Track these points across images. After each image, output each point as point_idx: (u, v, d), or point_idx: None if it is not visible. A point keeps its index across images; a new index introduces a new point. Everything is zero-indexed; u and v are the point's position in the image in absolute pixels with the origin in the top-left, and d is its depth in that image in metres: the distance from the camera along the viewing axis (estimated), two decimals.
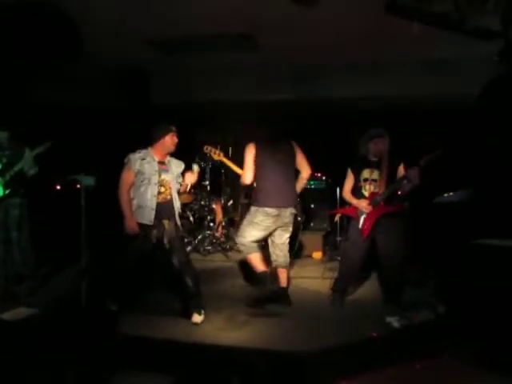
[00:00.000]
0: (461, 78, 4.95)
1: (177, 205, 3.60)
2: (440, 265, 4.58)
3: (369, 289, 4.49)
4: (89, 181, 6.51)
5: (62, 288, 4.35)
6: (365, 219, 3.83)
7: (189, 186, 3.80)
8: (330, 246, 6.28)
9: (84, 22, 3.77)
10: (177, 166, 3.66)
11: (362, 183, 3.94)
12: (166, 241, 3.49)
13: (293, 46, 4.90)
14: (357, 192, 3.96)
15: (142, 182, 3.43)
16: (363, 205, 3.85)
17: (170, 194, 3.53)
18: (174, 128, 3.55)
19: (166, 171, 3.54)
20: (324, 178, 6.46)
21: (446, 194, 4.71)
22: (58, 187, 6.53)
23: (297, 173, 4.08)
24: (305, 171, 4.05)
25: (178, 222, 3.61)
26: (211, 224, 6.07)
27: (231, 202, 6.42)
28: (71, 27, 3.71)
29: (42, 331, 3.31)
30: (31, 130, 4.83)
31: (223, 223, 6.25)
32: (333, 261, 5.82)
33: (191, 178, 3.67)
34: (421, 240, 4.97)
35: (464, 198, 4.59)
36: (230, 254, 5.77)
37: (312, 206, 6.40)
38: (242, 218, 6.82)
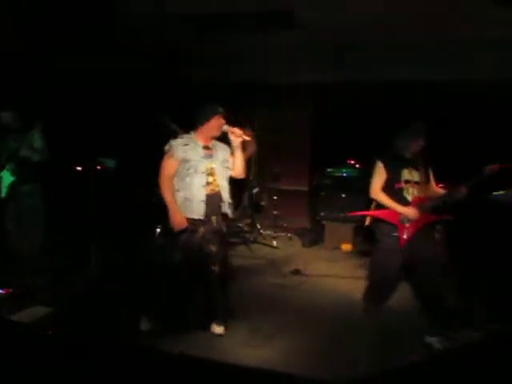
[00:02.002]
0: None
1: (226, 196, 3.17)
2: (489, 268, 4.17)
3: (410, 298, 4.04)
4: (110, 163, 6.33)
5: (80, 282, 4.15)
6: (409, 227, 3.36)
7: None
8: (361, 239, 5.90)
9: None
10: (223, 149, 3.22)
11: (404, 185, 3.41)
12: (215, 241, 3.12)
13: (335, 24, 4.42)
14: (395, 195, 3.41)
15: (187, 170, 3.05)
16: (413, 212, 3.34)
17: (219, 185, 3.13)
18: (221, 109, 3.15)
19: (212, 157, 3.13)
20: (357, 166, 6.00)
21: (500, 192, 4.22)
22: (79, 168, 6.36)
23: None
24: None
25: (229, 214, 3.21)
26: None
27: (256, 189, 6.06)
28: None
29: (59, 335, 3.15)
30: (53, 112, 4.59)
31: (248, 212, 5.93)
32: (363, 255, 5.50)
33: (237, 130, 3.14)
34: (467, 240, 4.54)
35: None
36: (253, 247, 5.47)
37: (343, 195, 5.98)
38: (270, 202, 6.68)
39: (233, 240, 5.44)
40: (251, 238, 5.59)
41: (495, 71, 4.49)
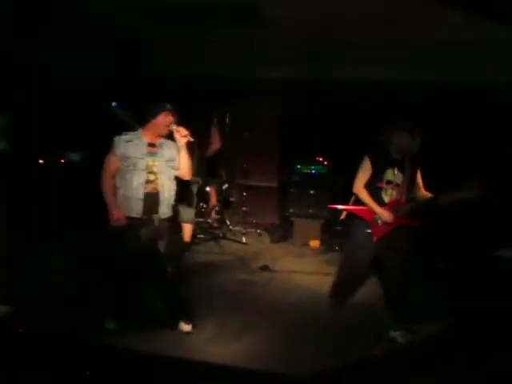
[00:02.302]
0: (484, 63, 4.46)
1: (167, 195, 3.09)
2: (450, 263, 4.32)
3: (375, 293, 4.07)
4: (75, 156, 6.13)
5: (41, 279, 4.01)
6: (381, 226, 3.40)
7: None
8: (329, 235, 5.99)
9: None
10: (170, 148, 3.12)
11: (385, 185, 3.41)
12: (158, 242, 3.06)
13: (303, 21, 4.43)
14: (374, 193, 3.42)
15: (127, 167, 2.99)
16: (386, 215, 3.36)
17: (161, 184, 3.06)
18: (169, 106, 3.07)
19: (156, 154, 3.05)
20: (325, 163, 6.07)
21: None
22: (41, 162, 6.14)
23: None
24: None
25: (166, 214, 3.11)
26: (203, 209, 5.72)
27: (226, 185, 6.05)
28: None
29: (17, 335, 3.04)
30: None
31: (217, 208, 5.91)
32: (331, 251, 5.58)
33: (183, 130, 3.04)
34: (429, 236, 4.67)
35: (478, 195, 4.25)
36: (223, 243, 5.46)
37: (311, 191, 6.05)
38: (239, 198, 6.68)
39: (202, 236, 5.41)
40: (220, 234, 5.57)
41: (461, 73, 4.63)
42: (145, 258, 3.10)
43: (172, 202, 3.15)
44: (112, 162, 3.04)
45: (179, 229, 4.76)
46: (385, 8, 3.81)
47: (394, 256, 3.44)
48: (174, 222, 3.58)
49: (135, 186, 2.98)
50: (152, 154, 3.04)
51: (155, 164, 3.03)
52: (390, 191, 3.41)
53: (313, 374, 2.79)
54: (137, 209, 3.00)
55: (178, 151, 3.10)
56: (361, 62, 4.98)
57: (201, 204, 5.60)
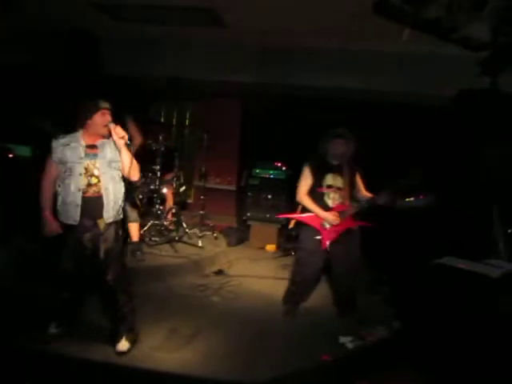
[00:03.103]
0: (432, 76, 4.67)
1: (112, 198, 2.90)
2: (395, 271, 4.45)
3: (325, 298, 4.17)
4: (24, 151, 5.81)
5: None
6: (329, 231, 3.50)
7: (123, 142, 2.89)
8: (284, 240, 6.04)
9: None
10: (112, 148, 2.94)
11: (326, 190, 3.56)
12: (102, 248, 2.92)
13: (260, 27, 4.45)
14: (318, 199, 3.56)
15: (64, 173, 2.85)
16: (333, 219, 3.48)
17: (104, 186, 2.89)
18: (104, 105, 2.89)
19: (96, 156, 2.88)
20: (284, 168, 6.12)
21: (407, 199, 4.53)
22: None
23: None
24: None
25: (112, 218, 2.93)
26: (159, 211, 5.60)
27: (183, 187, 5.96)
28: None
29: None
30: None
31: (173, 210, 5.80)
32: (287, 255, 5.63)
33: (119, 131, 2.88)
34: (377, 244, 4.81)
35: (426, 204, 4.43)
36: (178, 246, 5.36)
37: (269, 196, 6.08)
38: (196, 200, 6.59)
39: (157, 239, 5.30)
40: (176, 237, 5.46)
41: (409, 84, 4.83)
42: (84, 264, 2.97)
43: (120, 203, 2.99)
44: (50, 168, 2.90)
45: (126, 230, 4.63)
46: (336, 18, 3.88)
47: (344, 260, 3.54)
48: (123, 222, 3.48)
49: (72, 192, 2.83)
50: (92, 157, 2.88)
51: (96, 166, 2.88)
52: (332, 195, 3.54)
53: (264, 382, 2.79)
54: (74, 216, 2.84)
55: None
56: (317, 70, 5.06)
57: (157, 206, 5.47)
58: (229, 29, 4.64)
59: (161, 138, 5.27)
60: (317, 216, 3.52)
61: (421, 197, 4.41)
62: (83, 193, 2.84)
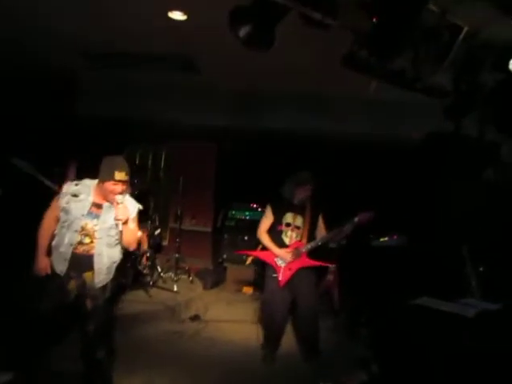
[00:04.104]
0: (401, 120, 4.90)
1: (106, 261, 2.82)
2: (373, 313, 4.45)
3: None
4: None
5: None
6: (284, 269, 3.58)
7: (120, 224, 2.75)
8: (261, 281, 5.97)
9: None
10: (113, 214, 2.78)
11: (284, 228, 3.67)
12: (88, 303, 2.80)
13: (234, 72, 4.59)
14: (276, 236, 3.67)
15: (63, 222, 2.78)
16: (285, 255, 3.58)
17: (94, 248, 2.78)
18: (119, 176, 2.72)
19: (98, 218, 2.79)
20: (260, 209, 6.15)
21: (381, 239, 4.61)
22: None
23: None
24: None
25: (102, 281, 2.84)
26: (133, 256, 5.47)
27: (158, 230, 5.89)
28: None
29: None
30: None
31: (148, 254, 5.69)
32: None
33: (122, 212, 2.73)
34: (354, 284, 4.83)
35: (399, 244, 4.51)
36: (152, 291, 5.22)
37: (245, 237, 6.06)
38: (171, 242, 6.50)
39: (129, 284, 5.15)
40: (150, 282, 5.33)
41: (372, 126, 5.06)
42: (63, 311, 2.85)
43: (113, 268, 2.90)
44: (54, 209, 2.87)
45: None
46: (310, 66, 4.04)
47: (306, 300, 3.61)
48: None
49: (65, 245, 2.77)
50: (94, 216, 2.79)
51: (95, 229, 2.78)
52: (289, 233, 3.66)
53: None
54: (62, 267, 2.78)
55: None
56: (291, 113, 5.25)
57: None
58: (204, 75, 4.77)
59: (136, 181, 5.26)
60: (271, 253, 3.63)
61: (394, 237, 4.54)
62: (73, 248, 2.77)
